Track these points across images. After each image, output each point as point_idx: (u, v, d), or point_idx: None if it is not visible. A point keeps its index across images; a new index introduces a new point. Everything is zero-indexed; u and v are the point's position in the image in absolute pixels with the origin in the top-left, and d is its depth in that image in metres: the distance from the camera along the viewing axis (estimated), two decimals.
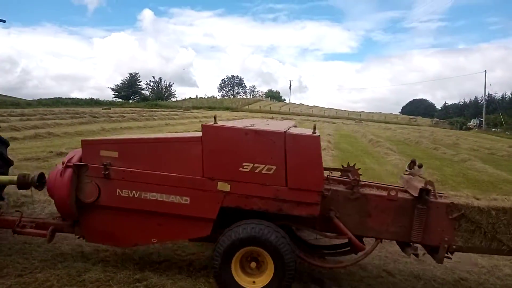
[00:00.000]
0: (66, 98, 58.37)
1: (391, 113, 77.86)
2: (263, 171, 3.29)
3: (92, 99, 58.61)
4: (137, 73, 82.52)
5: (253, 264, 3.35)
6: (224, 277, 3.28)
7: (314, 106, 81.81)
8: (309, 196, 3.28)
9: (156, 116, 31.56)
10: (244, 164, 3.30)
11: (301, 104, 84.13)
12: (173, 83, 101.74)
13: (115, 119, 24.92)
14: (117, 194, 3.49)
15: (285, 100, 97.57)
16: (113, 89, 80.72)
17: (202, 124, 3.44)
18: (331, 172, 4.03)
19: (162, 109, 47.78)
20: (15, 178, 3.83)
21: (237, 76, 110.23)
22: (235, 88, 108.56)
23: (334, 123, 44.54)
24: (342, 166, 4.03)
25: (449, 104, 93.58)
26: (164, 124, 23.89)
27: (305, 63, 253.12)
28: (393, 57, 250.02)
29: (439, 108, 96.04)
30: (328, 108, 78.66)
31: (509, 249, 3.35)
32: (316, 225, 3.60)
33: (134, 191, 3.46)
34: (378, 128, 39.96)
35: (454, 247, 3.41)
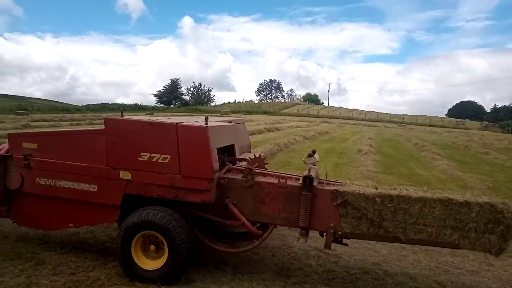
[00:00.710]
0: (112, 103, 61.39)
1: (437, 116, 74.62)
2: (159, 160, 3.52)
3: (136, 104, 61.04)
4: (178, 79, 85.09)
5: (152, 247, 3.54)
6: (125, 259, 3.53)
7: (354, 109, 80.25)
8: (200, 183, 3.47)
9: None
10: (142, 154, 3.55)
11: (340, 107, 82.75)
12: (212, 88, 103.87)
13: None
14: (36, 182, 3.86)
15: (323, 103, 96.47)
16: (155, 95, 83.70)
17: (104, 118, 3.79)
18: (240, 162, 4.15)
19: (202, 114, 48.80)
20: None
21: (275, 80, 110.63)
22: (273, 92, 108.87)
23: (375, 126, 43.35)
24: (249, 158, 4.06)
25: (499, 106, 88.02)
26: None
27: (344, 66, 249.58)
28: (437, 58, 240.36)
29: (489, 111, 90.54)
30: (369, 111, 76.70)
31: (395, 236, 3.31)
32: (216, 212, 3.72)
33: (50, 180, 3.82)
34: (423, 131, 38.35)
35: (339, 232, 3.46)
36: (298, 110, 65.93)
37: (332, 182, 3.77)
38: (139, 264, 3.52)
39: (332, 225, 3.46)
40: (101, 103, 60.95)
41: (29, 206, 4.00)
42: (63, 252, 4.06)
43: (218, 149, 3.73)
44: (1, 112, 29.70)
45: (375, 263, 4.38)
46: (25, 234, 4.50)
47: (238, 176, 3.71)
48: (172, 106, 74.80)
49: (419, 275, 4.13)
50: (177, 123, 3.54)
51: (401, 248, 4.79)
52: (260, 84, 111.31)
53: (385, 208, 3.27)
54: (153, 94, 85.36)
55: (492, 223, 3.08)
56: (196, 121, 3.91)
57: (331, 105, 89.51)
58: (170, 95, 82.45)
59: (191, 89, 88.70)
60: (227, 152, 4.31)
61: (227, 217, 3.74)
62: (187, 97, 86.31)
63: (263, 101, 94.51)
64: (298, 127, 30.54)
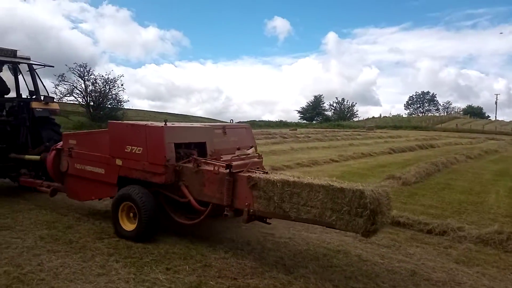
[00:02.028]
0: (259, 120, 66.00)
1: None
2: (136, 151, 4.81)
3: (281, 121, 64.27)
4: (321, 95, 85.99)
5: (131, 215, 4.83)
6: (115, 222, 4.91)
7: None
8: (158, 168, 4.61)
9: (339, 136, 31.81)
10: (127, 146, 4.88)
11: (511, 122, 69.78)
12: (355, 103, 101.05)
13: (301, 139, 26.36)
14: (75, 166, 5.53)
15: (489, 117, 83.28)
16: (298, 111, 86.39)
17: (108, 122, 5.32)
18: (220, 157, 4.95)
19: (345, 129, 47.92)
20: (39, 157, 6.43)
21: (428, 92, 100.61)
22: (425, 105, 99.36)
23: None
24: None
25: None
26: (347, 145, 23.79)
27: None
28: None
29: None
30: None
31: (290, 215, 3.80)
32: (176, 192, 4.77)
33: (81, 165, 5.45)
34: None
35: (251, 211, 4.09)
36: (457, 124, 58.35)
37: (262, 170, 4.62)
38: (122, 226, 4.84)
39: (247, 204, 4.14)
40: (250, 120, 66.27)
41: (72, 184, 5.72)
42: (226, 257, 4.40)
43: (183, 144, 4.91)
44: None
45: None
46: (196, 237, 5.07)
47: (189, 165, 4.65)
48: (314, 122, 75.93)
49: None
50: (145, 124, 4.87)
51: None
52: (410, 97, 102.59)
53: (284, 191, 3.82)
54: (296, 110, 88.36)
55: (361, 208, 3.40)
56: (165, 124, 4.88)
57: (500, 119, 76.49)
58: (312, 111, 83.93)
59: (334, 104, 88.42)
60: (198, 148, 5.14)
61: (183, 197, 4.69)
62: (329, 113, 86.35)
63: (413, 115, 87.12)
64: (457, 144, 26.97)
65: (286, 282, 3.82)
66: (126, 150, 4.88)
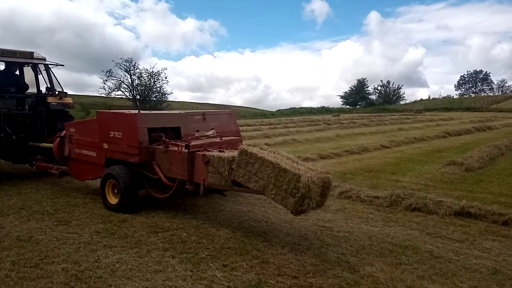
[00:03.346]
0: (299, 107, 64.95)
1: None
2: (117, 136, 5.49)
3: (323, 107, 62.72)
4: (365, 79, 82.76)
5: (115, 190, 5.59)
6: (103, 197, 5.74)
7: None
8: (133, 150, 5.29)
9: (386, 120, 30.44)
10: (110, 132, 5.58)
11: None
12: (402, 85, 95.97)
13: (346, 125, 25.50)
14: (75, 151, 6.39)
15: None
16: (341, 96, 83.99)
17: (96, 111, 6.08)
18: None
19: (391, 113, 45.89)
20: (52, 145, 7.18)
21: (481, 71, 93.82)
22: (478, 84, 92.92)
23: None
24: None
25: None
26: (397, 129, 22.62)
27: None
28: None
29: None
30: None
31: (245, 183, 4.25)
32: (150, 170, 5.42)
33: (79, 149, 6.29)
34: None
35: (206, 184, 4.74)
36: None
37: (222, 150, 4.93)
38: (109, 200, 5.65)
39: (202, 178, 4.72)
40: (290, 108, 65.36)
41: (74, 166, 6.65)
42: (283, 253, 4.16)
43: (158, 129, 5.54)
44: None
45: None
46: (249, 230, 4.86)
47: (160, 146, 5.26)
48: (357, 106, 73.51)
49: None
50: (123, 112, 5.66)
51: None
52: (461, 76, 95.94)
53: (242, 159, 4.21)
54: (339, 95, 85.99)
55: (295, 190, 3.73)
56: (139, 111, 5.60)
57: None
58: (356, 95, 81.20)
59: (378, 87, 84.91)
60: (174, 133, 5.79)
61: (155, 174, 5.33)
62: (373, 97, 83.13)
63: (465, 96, 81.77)
64: None
65: (353, 282, 3.50)
66: (110, 135, 5.63)
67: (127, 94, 42.39)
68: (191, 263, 3.88)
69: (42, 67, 8.85)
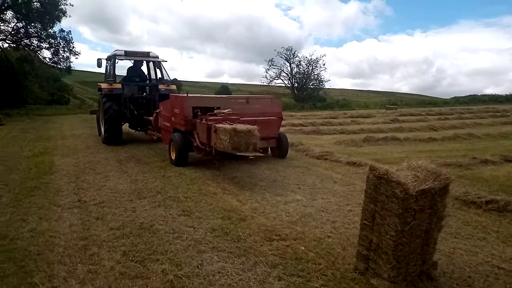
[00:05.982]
0: (481, 95, 54.49)
1: None
2: (176, 112, 8.09)
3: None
4: None
5: (174, 149, 8.03)
6: (170, 154, 8.29)
7: None
8: (182, 121, 7.79)
9: None
10: (174, 109, 8.20)
11: None
12: None
13: None
14: (162, 122, 9.06)
15: None
16: None
17: (169, 94, 9.39)
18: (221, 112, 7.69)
19: None
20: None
21: None
22: None
23: None
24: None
25: None
26: None
27: None
28: None
29: None
30: None
31: (237, 150, 6.26)
32: (193, 137, 7.66)
33: (164, 121, 8.96)
34: None
35: (215, 148, 6.76)
36: None
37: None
38: (171, 156, 8.26)
39: (214, 143, 6.75)
40: (469, 95, 55.36)
41: (162, 133, 9.15)
42: None
43: (202, 108, 7.86)
44: (373, 107, 32.86)
45: None
46: None
47: (198, 120, 7.50)
48: None
49: None
50: (178, 95, 8.77)
51: None
52: None
53: (232, 135, 6.20)
54: None
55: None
56: (187, 94, 8.56)
57: None
58: None
59: None
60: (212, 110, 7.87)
61: (195, 139, 7.59)
62: None
63: None
64: None
65: None
66: (174, 111, 8.17)
67: (286, 83, 43.57)
68: None
69: (156, 64, 12.06)
